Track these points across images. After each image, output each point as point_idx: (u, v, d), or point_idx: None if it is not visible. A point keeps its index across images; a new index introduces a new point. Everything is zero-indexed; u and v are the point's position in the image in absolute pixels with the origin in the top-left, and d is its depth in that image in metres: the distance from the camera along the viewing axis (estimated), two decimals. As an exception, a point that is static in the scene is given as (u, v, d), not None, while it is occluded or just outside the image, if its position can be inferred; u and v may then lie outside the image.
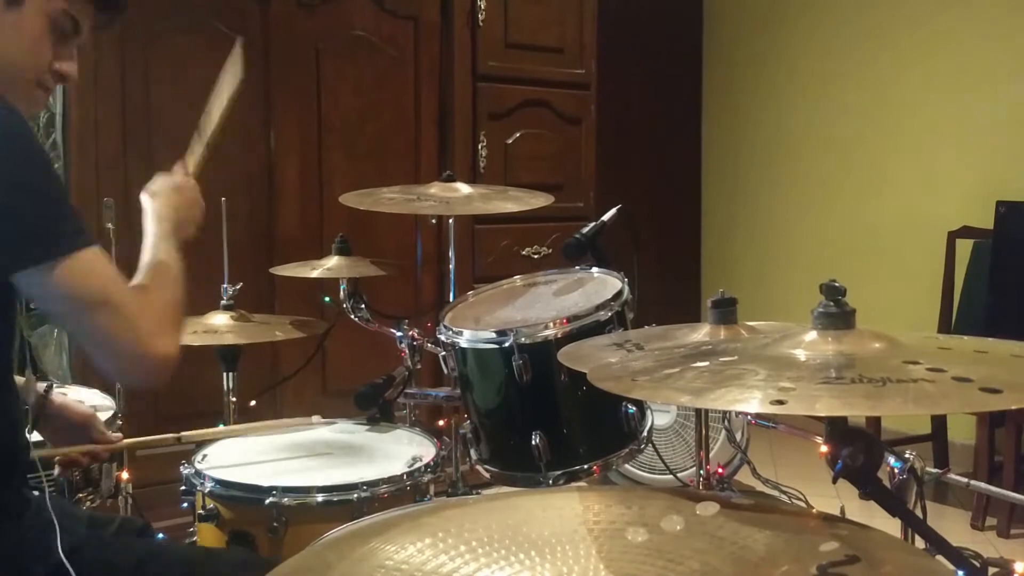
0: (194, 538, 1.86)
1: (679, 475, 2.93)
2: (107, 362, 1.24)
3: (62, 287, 1.18)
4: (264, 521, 1.66)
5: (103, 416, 1.77)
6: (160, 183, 1.49)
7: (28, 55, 1.26)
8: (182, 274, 1.37)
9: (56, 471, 1.68)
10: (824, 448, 1.00)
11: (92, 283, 1.20)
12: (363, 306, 2.47)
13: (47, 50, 1.28)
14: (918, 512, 1.39)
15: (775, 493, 2.19)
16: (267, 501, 1.67)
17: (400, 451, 1.90)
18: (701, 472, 1.89)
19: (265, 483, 1.70)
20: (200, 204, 1.53)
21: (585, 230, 2.17)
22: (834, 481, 0.99)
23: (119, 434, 1.74)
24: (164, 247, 1.39)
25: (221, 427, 2.10)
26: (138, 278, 1.33)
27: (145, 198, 1.46)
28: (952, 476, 1.69)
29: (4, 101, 1.20)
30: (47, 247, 1.17)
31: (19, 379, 1.44)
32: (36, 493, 1.42)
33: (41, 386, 1.59)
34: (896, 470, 1.40)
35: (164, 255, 1.38)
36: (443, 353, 2.01)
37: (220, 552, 1.67)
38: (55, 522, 1.29)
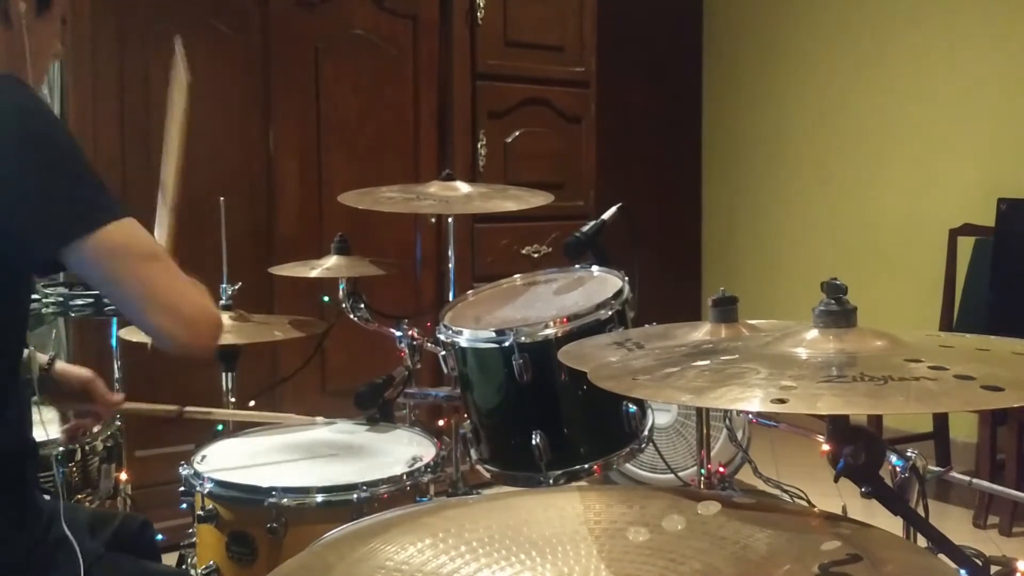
0: (193, 539, 1.86)
1: (680, 474, 2.93)
2: (161, 316, 1.24)
3: (112, 244, 1.21)
4: (264, 522, 1.66)
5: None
6: None
7: (52, 50, 1.40)
8: None
9: (60, 437, 1.69)
10: (826, 447, 1.00)
11: (142, 239, 1.25)
12: (362, 306, 2.47)
13: (59, 41, 1.40)
14: (920, 511, 1.38)
15: (777, 492, 2.19)
16: (267, 502, 1.66)
17: (400, 451, 1.90)
18: (702, 471, 1.89)
19: (265, 484, 1.70)
20: None
21: (585, 229, 2.17)
22: (836, 480, 0.98)
23: (121, 395, 1.74)
24: None
25: (220, 410, 2.10)
26: None
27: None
28: (954, 474, 1.69)
29: (28, 87, 1.27)
30: (88, 219, 1.20)
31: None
32: (48, 497, 1.42)
33: (43, 358, 1.58)
34: (898, 469, 1.39)
35: None
36: (443, 353, 2.00)
37: None
38: (71, 537, 1.30)
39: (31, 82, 1.31)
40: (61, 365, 1.64)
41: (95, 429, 1.88)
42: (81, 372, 1.67)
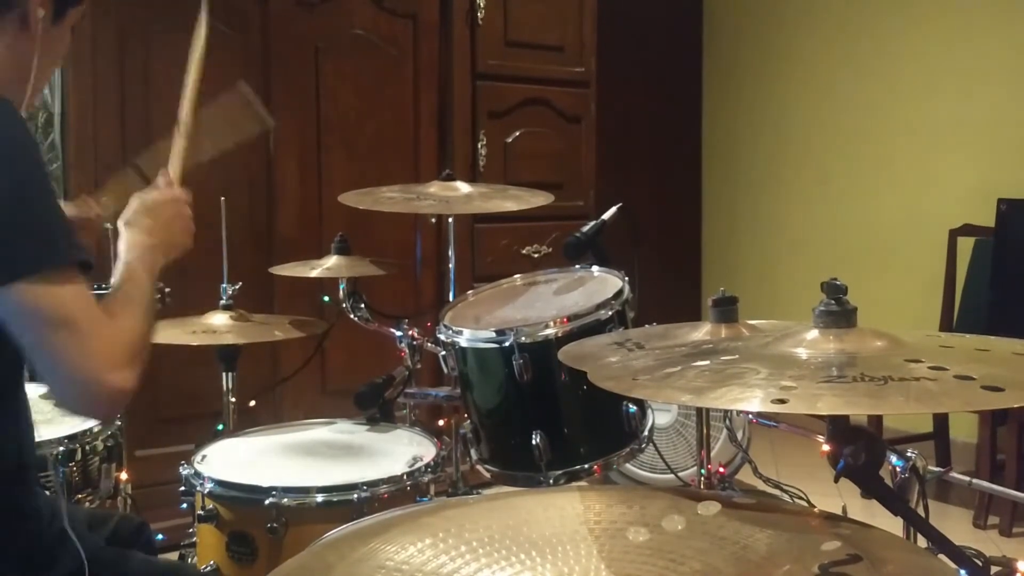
0: (193, 539, 1.86)
1: (680, 474, 2.93)
2: (58, 387, 1.18)
3: (25, 303, 1.13)
4: (264, 521, 1.66)
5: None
6: (136, 206, 1.39)
7: (59, 58, 1.39)
8: (151, 304, 1.30)
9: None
10: (826, 447, 1.00)
11: (56, 302, 1.14)
12: (362, 306, 2.47)
13: (66, 50, 1.40)
14: (920, 511, 1.38)
15: (777, 492, 2.19)
16: (267, 501, 1.66)
17: (400, 451, 1.90)
18: (702, 471, 1.89)
19: (265, 483, 1.70)
20: (186, 216, 1.44)
21: (585, 229, 2.17)
22: (836, 480, 0.98)
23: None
24: (135, 274, 1.31)
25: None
26: (105, 304, 1.26)
27: (121, 226, 1.38)
28: (954, 475, 1.69)
29: (9, 106, 1.21)
30: (14, 264, 1.13)
31: None
32: (48, 493, 1.42)
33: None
34: (898, 469, 1.39)
35: (133, 282, 1.30)
36: (443, 352, 2.00)
37: None
38: (72, 535, 1.29)
39: (33, 89, 1.29)
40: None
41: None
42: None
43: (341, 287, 2.45)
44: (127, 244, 1.34)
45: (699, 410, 1.88)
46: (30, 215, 1.16)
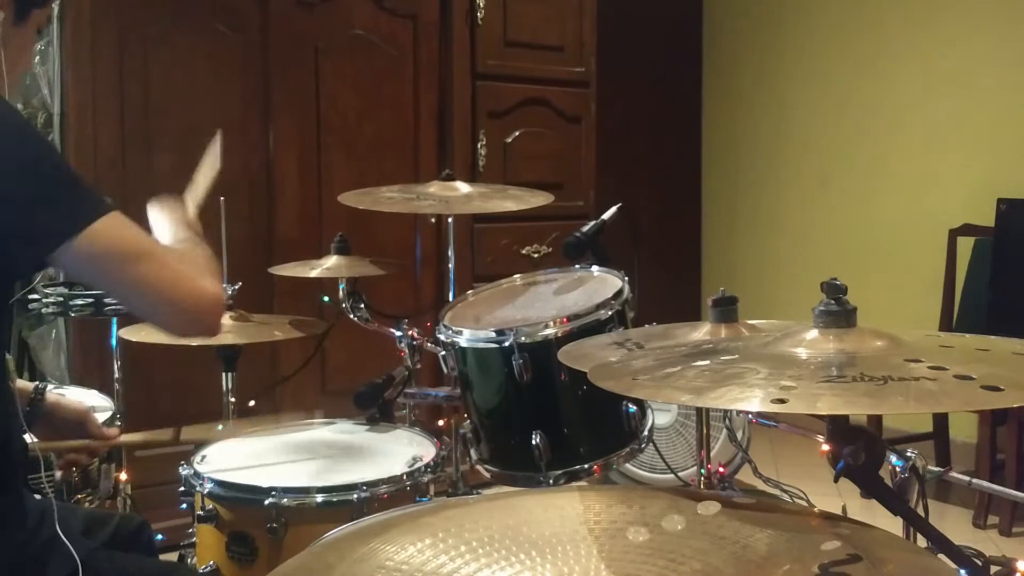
0: (193, 539, 1.86)
1: (680, 474, 2.93)
2: (159, 311, 1.26)
3: (99, 247, 1.19)
4: (263, 522, 1.66)
5: (101, 417, 1.76)
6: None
7: (26, 60, 1.41)
8: (199, 241, 1.41)
9: (57, 475, 1.66)
10: (825, 447, 1.00)
11: (128, 238, 1.22)
12: (362, 305, 2.46)
13: (32, 53, 1.44)
14: (920, 511, 1.38)
15: (776, 492, 2.19)
16: (266, 502, 1.66)
17: (400, 451, 1.90)
18: (702, 471, 1.89)
19: (264, 484, 1.70)
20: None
21: (585, 229, 2.17)
22: (836, 480, 0.98)
23: (115, 429, 1.73)
24: (180, 228, 1.42)
25: (220, 428, 2.09)
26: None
27: (154, 204, 1.48)
28: (954, 474, 1.68)
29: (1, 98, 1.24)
30: (73, 220, 1.18)
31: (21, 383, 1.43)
32: (39, 496, 1.41)
33: (28, 387, 1.57)
34: (898, 469, 1.39)
35: (183, 231, 1.41)
36: (443, 352, 2.00)
37: None
38: (61, 535, 1.29)
39: (3, 93, 1.30)
40: (53, 395, 1.62)
41: (90, 464, 1.83)
42: (75, 405, 1.65)
43: (341, 287, 2.45)
44: (166, 212, 1.45)
45: (699, 410, 1.88)
46: (67, 175, 1.23)
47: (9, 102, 1.24)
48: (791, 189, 4.70)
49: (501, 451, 1.95)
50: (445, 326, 1.97)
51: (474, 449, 1.99)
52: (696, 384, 0.97)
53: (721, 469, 2.66)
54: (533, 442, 1.83)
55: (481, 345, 1.90)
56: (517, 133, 3.70)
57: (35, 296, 2.18)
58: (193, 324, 1.29)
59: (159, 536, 1.69)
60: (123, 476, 2.05)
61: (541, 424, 1.85)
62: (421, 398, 2.39)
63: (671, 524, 0.85)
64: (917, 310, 3.91)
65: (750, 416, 2.57)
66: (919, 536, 1.08)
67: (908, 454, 1.40)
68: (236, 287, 2.24)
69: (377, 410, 2.12)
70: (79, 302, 2.17)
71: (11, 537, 1.30)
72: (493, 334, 1.88)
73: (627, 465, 2.97)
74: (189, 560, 2.03)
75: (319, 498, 1.68)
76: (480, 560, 0.82)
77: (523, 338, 1.82)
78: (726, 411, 2.50)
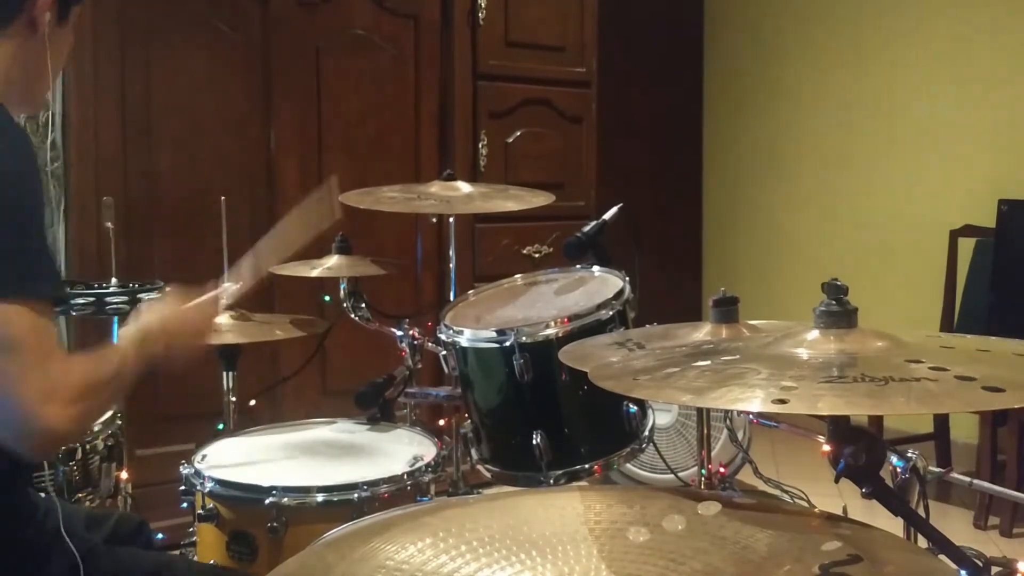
0: (194, 538, 1.86)
1: (680, 474, 2.93)
2: None
3: None
4: (264, 521, 1.66)
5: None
6: (170, 299, 1.41)
7: (65, 59, 1.40)
8: (123, 377, 1.26)
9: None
10: (826, 447, 1.00)
11: (8, 326, 1.11)
12: (363, 305, 2.46)
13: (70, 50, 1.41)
14: (921, 511, 1.38)
15: (777, 492, 2.19)
16: (267, 501, 1.66)
17: (401, 451, 1.90)
18: (703, 471, 1.89)
19: (265, 483, 1.70)
20: (210, 319, 1.49)
21: (586, 229, 2.17)
22: (836, 480, 0.98)
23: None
24: (125, 349, 1.30)
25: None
26: (79, 352, 1.24)
27: (144, 308, 1.39)
28: (955, 475, 1.69)
29: (11, 119, 1.22)
30: None
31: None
32: (43, 495, 1.42)
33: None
34: (898, 469, 1.39)
35: (117, 351, 1.29)
36: (444, 352, 2.00)
37: (231, 572, 1.67)
38: (63, 533, 1.29)
39: (41, 92, 1.32)
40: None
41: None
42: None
43: (342, 287, 2.45)
44: (137, 326, 1.35)
45: (700, 410, 1.88)
46: (15, 239, 1.14)
47: (28, 134, 1.23)
48: (791, 189, 4.70)
49: (502, 451, 1.95)
50: (446, 326, 1.97)
51: (475, 449, 1.99)
52: (697, 384, 0.97)
53: (722, 469, 2.65)
54: (534, 442, 1.83)
55: (482, 345, 1.90)
56: (518, 133, 3.70)
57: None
58: (13, 441, 1.13)
59: (159, 535, 1.69)
60: (124, 475, 2.04)
61: (542, 424, 1.85)
62: (422, 398, 2.39)
63: (672, 524, 0.85)
64: (918, 311, 3.91)
65: (751, 416, 2.57)
66: (920, 537, 1.08)
67: (909, 455, 1.39)
68: (236, 287, 2.24)
69: (378, 410, 2.12)
70: (79, 302, 2.17)
71: (20, 532, 1.30)
72: (494, 334, 1.88)
73: (628, 465, 2.97)
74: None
75: (320, 497, 1.69)
76: (480, 560, 0.82)
77: (524, 338, 1.83)
78: (727, 411, 2.50)
